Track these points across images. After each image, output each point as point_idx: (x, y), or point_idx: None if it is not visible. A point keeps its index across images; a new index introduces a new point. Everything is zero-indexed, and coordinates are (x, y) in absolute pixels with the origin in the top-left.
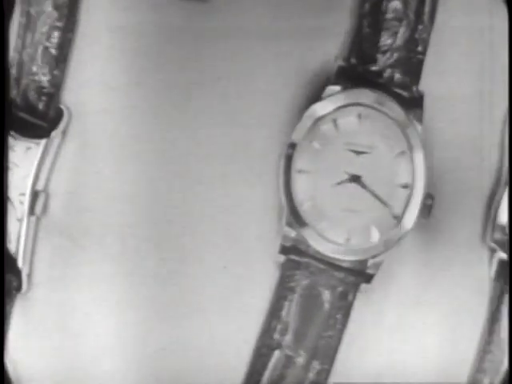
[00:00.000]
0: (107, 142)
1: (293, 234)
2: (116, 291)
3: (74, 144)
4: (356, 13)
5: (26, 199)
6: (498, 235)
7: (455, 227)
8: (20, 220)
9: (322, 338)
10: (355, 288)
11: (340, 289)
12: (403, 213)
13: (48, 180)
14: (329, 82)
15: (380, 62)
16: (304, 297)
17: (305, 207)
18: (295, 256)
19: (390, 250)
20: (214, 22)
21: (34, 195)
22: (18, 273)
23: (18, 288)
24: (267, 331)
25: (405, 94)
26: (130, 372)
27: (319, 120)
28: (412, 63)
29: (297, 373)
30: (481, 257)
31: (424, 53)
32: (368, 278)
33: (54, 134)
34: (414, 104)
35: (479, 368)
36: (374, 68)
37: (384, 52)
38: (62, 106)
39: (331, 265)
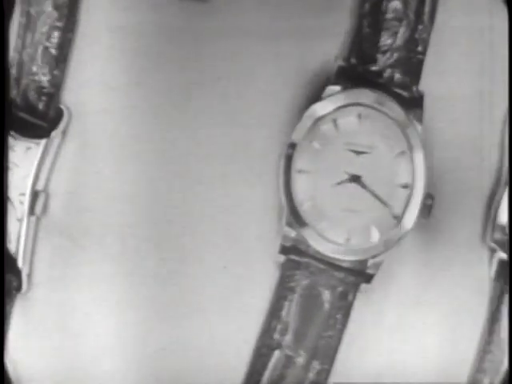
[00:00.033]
0: (107, 142)
1: (293, 234)
2: (116, 291)
3: (74, 144)
4: (356, 13)
5: (26, 199)
6: (498, 235)
7: (455, 227)
8: (20, 220)
9: (322, 338)
10: (355, 288)
11: (340, 289)
12: (403, 213)
13: (48, 180)
14: (329, 81)
15: (380, 62)
16: (304, 297)
17: (305, 207)
18: (295, 256)
19: (389, 250)
20: (214, 22)
21: (34, 195)
22: (18, 273)
23: (18, 288)
24: (267, 331)
25: (405, 94)
26: (129, 372)
27: (319, 120)
28: (412, 63)
29: (297, 373)
30: (481, 257)
31: (424, 53)
32: (368, 278)
33: (53, 133)
34: (414, 104)
35: (479, 368)
36: (373, 68)
37: (384, 52)
38: (61, 106)
39: (331, 265)
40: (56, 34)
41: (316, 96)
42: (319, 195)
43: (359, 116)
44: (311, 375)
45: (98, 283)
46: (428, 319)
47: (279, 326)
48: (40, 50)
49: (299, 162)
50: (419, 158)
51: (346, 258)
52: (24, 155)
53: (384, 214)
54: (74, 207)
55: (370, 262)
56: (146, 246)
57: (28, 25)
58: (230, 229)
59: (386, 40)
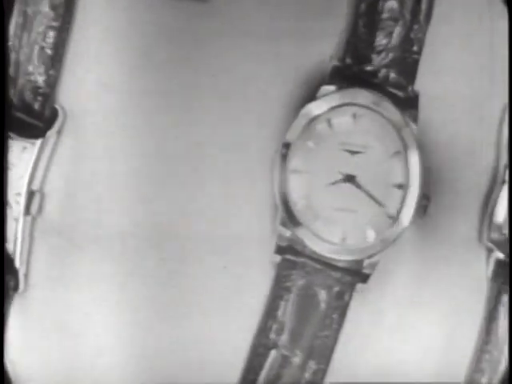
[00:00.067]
0: (102, 142)
1: (287, 233)
2: (116, 291)
3: (70, 144)
4: (352, 13)
5: (22, 199)
6: (494, 235)
7: (452, 227)
8: (16, 220)
9: (318, 338)
10: (351, 288)
11: (336, 289)
12: (399, 212)
13: (43, 180)
14: (323, 81)
15: (375, 61)
16: (300, 296)
17: (299, 207)
18: (291, 256)
19: (385, 250)
20: (213, 22)
21: (30, 195)
22: (15, 272)
23: (16, 288)
24: (263, 331)
25: (400, 93)
26: (129, 372)
27: (314, 120)
28: (407, 63)
29: (293, 372)
30: (478, 256)
31: (419, 52)
32: (364, 278)
33: (49, 133)
34: (409, 104)
35: (477, 368)
36: (369, 68)
37: (379, 52)
38: (57, 106)
39: (327, 265)
40: (52, 33)
41: (311, 96)
42: (313, 195)
43: (354, 116)
44: (307, 375)
45: (97, 283)
46: (425, 319)
47: (275, 326)
48: (36, 49)
49: (294, 162)
50: (414, 157)
51: (341, 257)
52: (20, 155)
53: (379, 214)
54: (69, 207)
55: (366, 262)
56: (146, 246)
57: (25, 24)
58: (229, 229)
59: (381, 40)
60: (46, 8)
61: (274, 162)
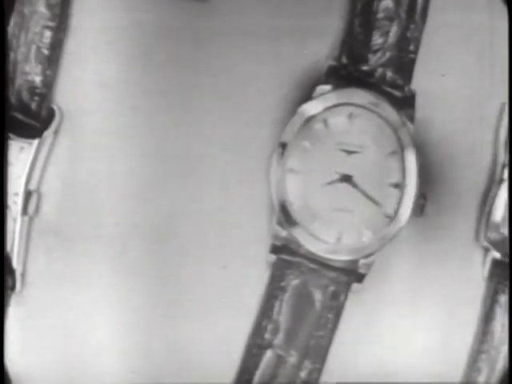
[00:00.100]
0: (99, 142)
1: (283, 233)
2: (115, 291)
3: (67, 144)
4: (347, 12)
5: (19, 199)
6: (492, 234)
7: (449, 226)
8: (14, 219)
9: (314, 338)
10: (347, 288)
11: (332, 288)
12: (395, 212)
13: (41, 180)
14: (319, 81)
15: (371, 61)
16: (295, 296)
17: (295, 207)
18: (286, 255)
19: (381, 250)
20: (213, 21)
21: (27, 195)
22: (12, 272)
23: (13, 287)
24: (258, 331)
25: (396, 93)
26: (129, 372)
27: (310, 119)
28: (404, 62)
29: (288, 372)
30: (474, 256)
31: (416, 52)
32: (360, 278)
33: (45, 133)
34: (405, 103)
35: (473, 367)
36: (365, 67)
37: (375, 51)
38: (53, 106)
39: (323, 264)
40: (48, 33)
41: (307, 95)
42: (310, 195)
43: (350, 115)
44: (303, 375)
45: (96, 283)
46: (421, 319)
47: (270, 326)
48: (33, 49)
49: (290, 162)
50: (411, 157)
51: (337, 257)
52: (17, 155)
53: (376, 214)
54: (66, 207)
55: (362, 262)
56: (145, 246)
57: (22, 24)
58: (229, 229)
59: (377, 39)
60: (42, 8)
61: (270, 161)
